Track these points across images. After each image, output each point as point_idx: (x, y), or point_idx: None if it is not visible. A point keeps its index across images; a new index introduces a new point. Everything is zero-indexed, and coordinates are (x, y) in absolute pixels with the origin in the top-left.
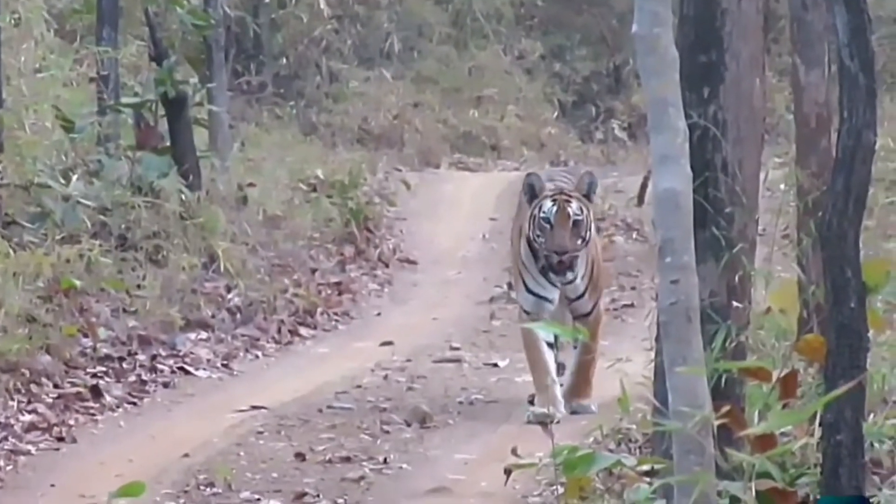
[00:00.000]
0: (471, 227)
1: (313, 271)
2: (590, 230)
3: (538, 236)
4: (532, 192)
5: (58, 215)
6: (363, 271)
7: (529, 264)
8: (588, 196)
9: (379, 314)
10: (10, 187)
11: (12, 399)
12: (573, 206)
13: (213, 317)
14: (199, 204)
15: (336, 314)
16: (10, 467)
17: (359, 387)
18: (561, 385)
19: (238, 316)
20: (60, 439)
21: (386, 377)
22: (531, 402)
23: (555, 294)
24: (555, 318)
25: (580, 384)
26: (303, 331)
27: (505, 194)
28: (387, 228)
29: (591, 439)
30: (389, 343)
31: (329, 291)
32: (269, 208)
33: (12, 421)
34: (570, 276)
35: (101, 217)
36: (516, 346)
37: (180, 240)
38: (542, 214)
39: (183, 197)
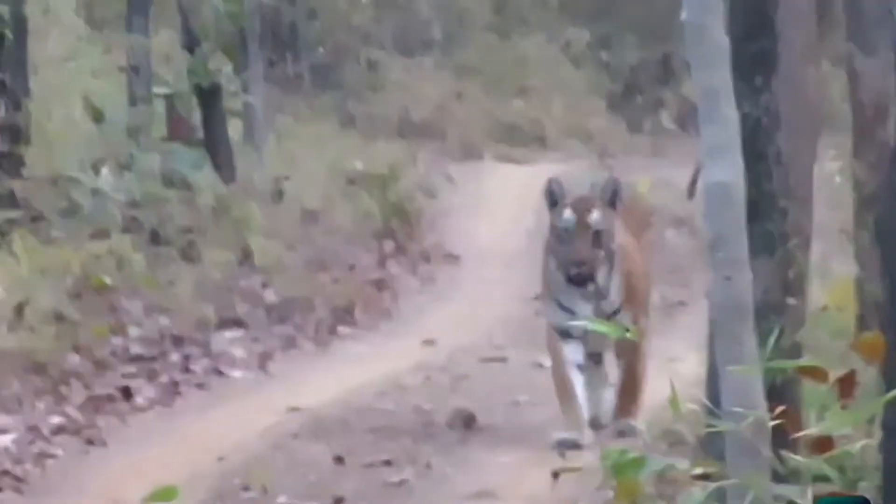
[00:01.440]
0: (515, 222)
1: (352, 267)
2: (613, 240)
3: (559, 246)
4: (553, 198)
5: (87, 209)
6: (404, 267)
7: (556, 276)
8: (612, 203)
9: (420, 312)
10: (37, 180)
11: (40, 400)
12: (594, 216)
13: (248, 315)
14: (233, 198)
15: (376, 312)
16: (38, 471)
17: (400, 387)
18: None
19: (274, 314)
20: (90, 442)
21: (428, 377)
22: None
23: (586, 309)
24: (592, 338)
25: (625, 402)
26: (341, 329)
27: None
28: (428, 223)
29: (642, 442)
30: (431, 342)
31: (369, 288)
32: (306, 202)
33: (40, 423)
34: (590, 287)
35: (132, 211)
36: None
37: (214, 235)
38: (561, 224)
39: (217, 190)
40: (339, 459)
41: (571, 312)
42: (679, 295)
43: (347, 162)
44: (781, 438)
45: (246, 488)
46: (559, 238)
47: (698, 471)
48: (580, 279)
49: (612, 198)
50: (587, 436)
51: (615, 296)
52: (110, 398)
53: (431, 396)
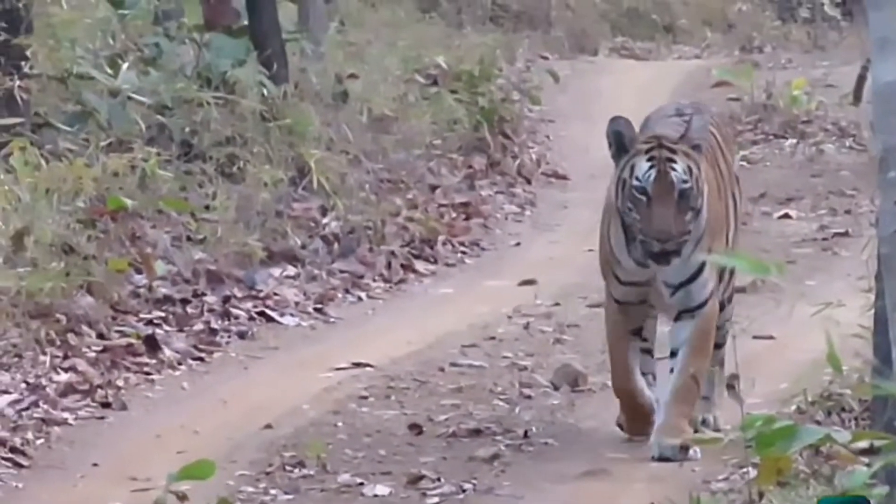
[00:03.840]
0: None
1: (433, 189)
2: (702, 195)
3: (630, 210)
4: (620, 143)
5: (103, 115)
6: (498, 188)
7: (619, 244)
8: (699, 147)
9: (518, 244)
10: (41, 79)
11: (44, 353)
12: (678, 169)
13: (303, 247)
14: (285, 101)
15: (463, 244)
16: (41, 441)
17: (492, 339)
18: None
19: (335, 246)
20: (106, 405)
21: (527, 326)
22: (620, 427)
23: (651, 274)
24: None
25: (674, 417)
26: (419, 265)
27: (682, 90)
28: (528, 133)
29: (794, 407)
30: (531, 282)
31: (454, 214)
32: (375, 107)
33: (44, 381)
34: (674, 263)
35: (159, 117)
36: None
37: (261, 147)
38: (635, 182)
39: (264, 92)
40: (415, 428)
41: (638, 285)
42: (840, 224)
43: (428, 57)
44: None
45: (299, 463)
46: (633, 200)
47: (862, 444)
48: (665, 256)
49: (699, 136)
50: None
51: (695, 259)
52: (131, 350)
53: (531, 350)
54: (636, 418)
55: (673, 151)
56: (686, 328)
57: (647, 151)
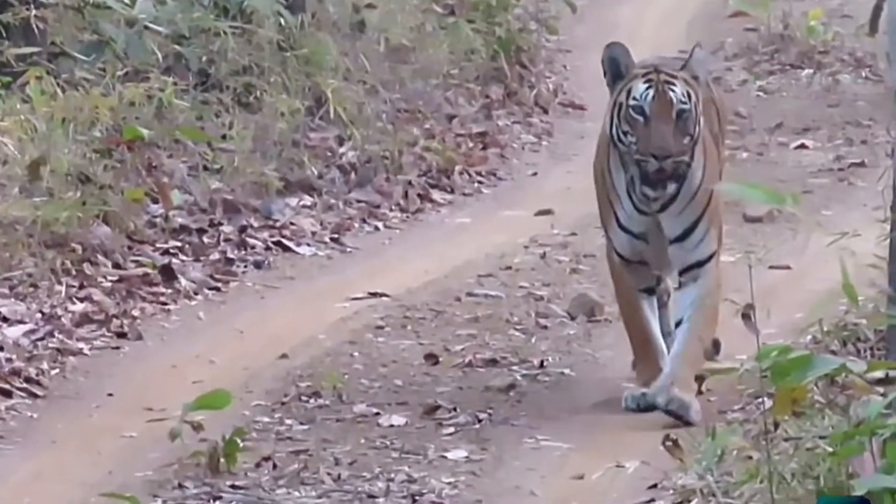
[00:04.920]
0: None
1: (450, 118)
2: (699, 125)
3: (626, 133)
4: (616, 70)
5: (120, 45)
6: (515, 118)
7: (618, 182)
8: (697, 77)
9: (535, 174)
10: (57, 8)
11: (60, 283)
12: (677, 90)
13: (319, 177)
14: (302, 30)
15: (480, 174)
16: (57, 371)
17: (508, 268)
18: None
19: (352, 176)
20: (121, 335)
21: (543, 256)
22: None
23: (649, 225)
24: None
25: (682, 369)
26: (436, 195)
27: (698, 20)
28: (546, 63)
29: (809, 337)
30: (548, 212)
31: (471, 144)
32: (392, 37)
33: (59, 311)
34: (671, 189)
35: (176, 47)
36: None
37: (278, 77)
38: (632, 102)
39: (282, 21)
40: (431, 358)
41: (640, 237)
42: (856, 154)
43: None
44: None
45: (315, 393)
46: (629, 121)
47: (877, 373)
48: (662, 177)
49: (698, 68)
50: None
51: (691, 207)
52: (147, 280)
53: (548, 280)
54: (650, 365)
55: (672, 76)
56: (690, 293)
57: (644, 75)
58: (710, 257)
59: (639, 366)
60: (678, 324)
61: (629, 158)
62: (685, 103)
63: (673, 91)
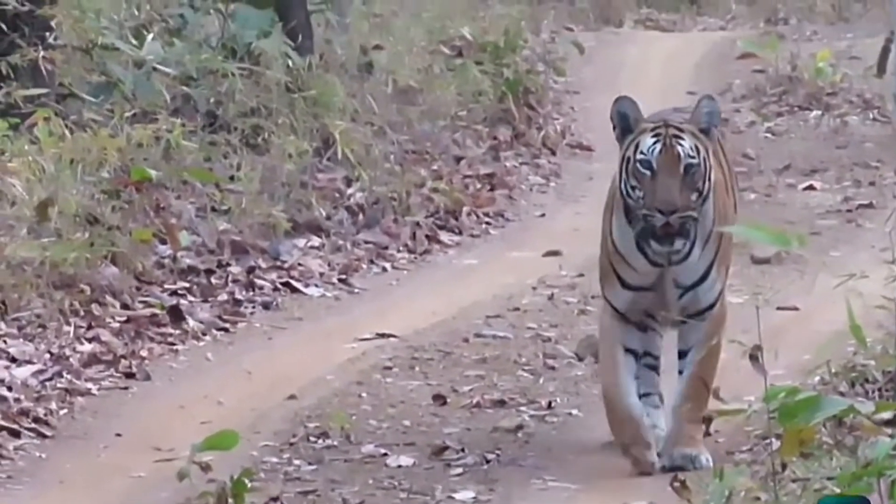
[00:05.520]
0: (662, 104)
1: (458, 160)
2: (709, 180)
3: (633, 188)
4: (625, 124)
5: (128, 86)
6: (523, 160)
7: (625, 240)
8: (707, 131)
9: (543, 215)
10: (66, 50)
11: (68, 323)
12: (685, 145)
13: (327, 218)
14: (309, 72)
15: (487, 215)
16: (65, 411)
17: (516, 309)
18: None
19: (360, 217)
20: (129, 375)
21: (551, 297)
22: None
23: (658, 276)
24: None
25: (685, 426)
26: (444, 236)
27: (706, 61)
28: (553, 105)
29: (817, 378)
30: (556, 253)
31: (478, 185)
32: (400, 78)
33: (68, 351)
34: (678, 245)
35: (184, 88)
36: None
37: (286, 118)
38: (639, 156)
39: (289, 63)
40: (439, 399)
41: (643, 289)
42: (864, 195)
43: (453, 28)
44: None
45: (323, 434)
46: (637, 176)
47: (885, 414)
48: (669, 232)
49: (708, 122)
50: (654, 456)
51: (702, 257)
52: (155, 321)
53: (555, 321)
54: (622, 432)
55: (680, 130)
56: (695, 330)
57: (652, 129)
58: (716, 302)
59: (613, 428)
60: (681, 354)
61: (638, 213)
62: (693, 157)
63: (681, 145)
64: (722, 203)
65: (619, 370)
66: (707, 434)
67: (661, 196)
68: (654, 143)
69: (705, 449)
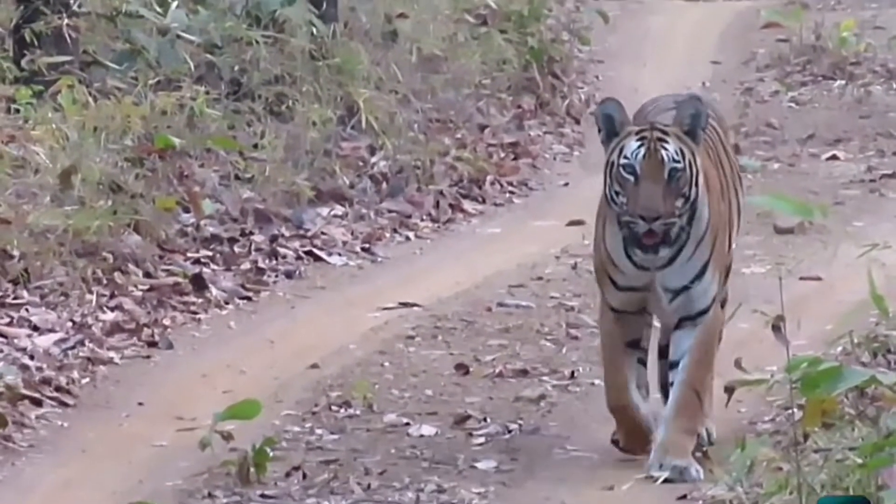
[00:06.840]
0: (686, 74)
1: (482, 128)
2: (695, 185)
3: (617, 194)
4: (610, 127)
5: (152, 54)
6: (547, 129)
7: (615, 243)
8: (693, 133)
9: (566, 184)
10: (90, 17)
11: (90, 292)
12: (669, 149)
13: (351, 187)
14: (334, 40)
15: (511, 184)
16: (87, 380)
17: (539, 279)
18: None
19: (384, 186)
20: (152, 344)
21: (575, 266)
22: (616, 443)
23: (650, 278)
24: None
25: (676, 434)
26: (467, 205)
27: (731, 31)
28: (578, 73)
29: (840, 349)
30: (580, 222)
31: (502, 154)
32: (424, 46)
33: (90, 320)
34: (662, 253)
35: (208, 56)
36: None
37: (310, 86)
38: (623, 161)
39: (314, 31)
40: (462, 368)
41: (636, 290)
42: (888, 165)
43: None
44: None
45: (345, 403)
46: (620, 181)
47: None
48: (652, 240)
49: (693, 124)
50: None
51: (695, 258)
52: (178, 289)
53: (579, 290)
54: (633, 436)
55: (665, 133)
56: (687, 338)
57: (637, 133)
58: (710, 307)
59: (618, 428)
60: (673, 365)
61: (622, 219)
62: (678, 162)
63: (665, 150)
64: (717, 210)
65: (621, 360)
66: (726, 405)
67: (644, 203)
68: (638, 147)
69: (695, 461)
